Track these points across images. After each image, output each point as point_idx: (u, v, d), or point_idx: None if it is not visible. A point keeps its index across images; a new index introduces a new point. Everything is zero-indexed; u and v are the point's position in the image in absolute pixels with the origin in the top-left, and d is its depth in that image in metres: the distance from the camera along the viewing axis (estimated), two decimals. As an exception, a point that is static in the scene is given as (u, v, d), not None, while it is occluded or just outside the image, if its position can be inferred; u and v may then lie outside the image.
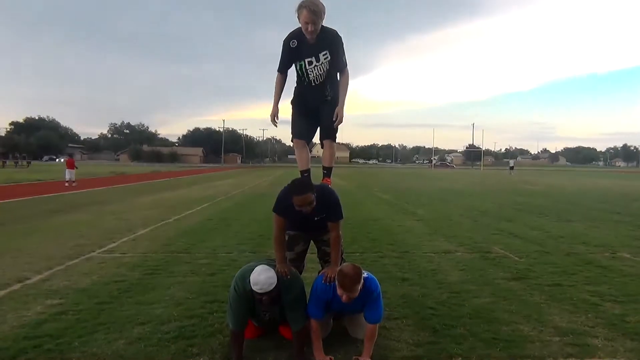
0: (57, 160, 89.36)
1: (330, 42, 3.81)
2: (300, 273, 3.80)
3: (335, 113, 3.88)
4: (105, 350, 3.35)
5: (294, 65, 3.93)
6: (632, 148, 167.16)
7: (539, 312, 4.21)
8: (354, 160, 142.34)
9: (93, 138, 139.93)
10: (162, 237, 8.03)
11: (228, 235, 8.31)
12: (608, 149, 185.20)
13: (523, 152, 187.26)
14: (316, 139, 4.32)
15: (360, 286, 3.13)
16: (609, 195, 20.00)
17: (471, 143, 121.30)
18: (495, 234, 8.66)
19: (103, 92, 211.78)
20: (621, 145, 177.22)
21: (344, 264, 3.39)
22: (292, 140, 4.23)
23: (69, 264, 5.89)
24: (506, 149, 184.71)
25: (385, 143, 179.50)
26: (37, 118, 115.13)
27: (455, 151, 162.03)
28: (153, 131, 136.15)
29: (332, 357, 3.26)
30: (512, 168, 57.31)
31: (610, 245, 7.57)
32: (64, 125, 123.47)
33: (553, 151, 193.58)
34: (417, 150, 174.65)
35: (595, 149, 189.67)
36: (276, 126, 4.08)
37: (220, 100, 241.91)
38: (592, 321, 3.99)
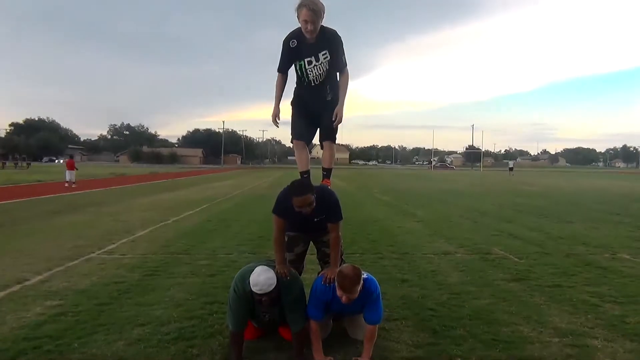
0: (56, 161, 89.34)
1: (330, 41, 3.82)
2: (300, 274, 3.81)
3: (334, 113, 3.88)
4: (105, 351, 3.35)
5: (293, 65, 3.93)
6: (632, 149, 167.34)
7: (538, 313, 4.21)
8: (353, 161, 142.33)
9: (93, 139, 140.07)
10: (162, 238, 8.03)
11: (228, 236, 8.31)
12: (608, 150, 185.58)
13: (523, 153, 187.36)
14: (316, 140, 4.32)
15: (359, 287, 3.13)
16: (609, 196, 20.01)
17: (471, 144, 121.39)
18: (495, 235, 8.66)
19: (103, 93, 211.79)
20: (621, 146, 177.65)
21: (344, 265, 3.39)
22: (291, 142, 4.23)
23: (68, 265, 5.89)
24: (506, 150, 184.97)
25: (385, 144, 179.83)
26: (37, 119, 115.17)
27: (455, 152, 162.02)
28: (153, 132, 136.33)
29: (332, 358, 3.26)
30: (511, 169, 57.35)
31: (610, 246, 7.57)
32: (64, 127, 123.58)
33: (553, 152, 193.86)
34: (417, 151, 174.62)
35: (595, 150, 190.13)
36: (277, 126, 4.08)
37: (220, 101, 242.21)
38: (592, 322, 3.99)
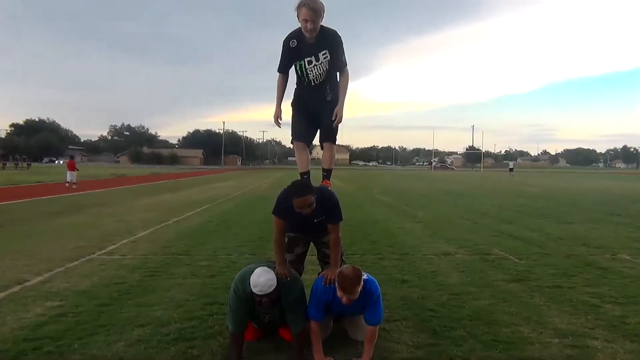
0: (56, 162, 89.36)
1: (330, 41, 3.82)
2: (300, 275, 3.80)
3: (334, 112, 3.88)
4: (105, 352, 3.35)
5: (293, 66, 3.94)
6: (632, 149, 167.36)
7: (538, 314, 4.21)
8: (354, 162, 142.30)
9: (93, 140, 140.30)
10: (162, 239, 8.03)
11: (228, 237, 8.31)
12: (608, 151, 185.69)
13: (523, 154, 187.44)
14: (316, 140, 4.33)
15: (360, 288, 3.13)
16: (609, 196, 20.01)
17: (471, 145, 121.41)
18: (495, 236, 8.66)
19: (103, 94, 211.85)
20: (621, 146, 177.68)
21: (344, 265, 3.39)
22: (292, 142, 4.23)
23: (68, 266, 5.89)
24: (506, 150, 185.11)
25: (385, 145, 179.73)
26: (37, 120, 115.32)
27: (455, 153, 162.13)
28: (153, 133, 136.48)
29: (332, 359, 3.26)
30: (511, 170, 57.35)
31: (610, 247, 7.57)
32: (64, 127, 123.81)
33: (553, 153, 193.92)
34: (417, 152, 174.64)
35: (595, 151, 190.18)
36: (280, 127, 4.09)
37: (220, 102, 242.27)
38: (592, 323, 3.99)
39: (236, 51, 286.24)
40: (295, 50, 3.83)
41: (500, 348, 3.46)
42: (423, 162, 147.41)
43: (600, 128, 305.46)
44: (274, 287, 3.15)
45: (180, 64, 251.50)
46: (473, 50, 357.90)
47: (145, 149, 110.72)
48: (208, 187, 24.36)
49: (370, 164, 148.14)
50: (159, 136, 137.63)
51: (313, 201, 3.38)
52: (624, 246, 7.68)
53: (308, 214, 3.42)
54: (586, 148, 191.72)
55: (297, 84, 4.05)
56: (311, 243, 3.92)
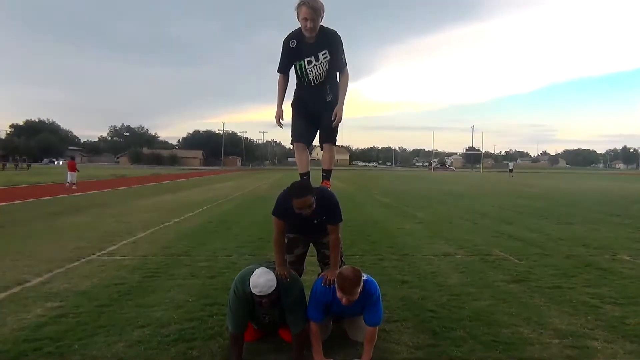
0: (55, 162, 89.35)
1: (330, 41, 3.83)
2: (300, 276, 3.81)
3: (334, 112, 3.89)
4: (105, 352, 3.35)
5: (293, 66, 3.94)
6: (632, 150, 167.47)
7: (538, 315, 4.21)
8: (353, 162, 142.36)
9: (93, 141, 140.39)
10: (162, 239, 8.03)
11: (228, 238, 8.31)
12: (608, 151, 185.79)
13: (523, 155, 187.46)
14: (316, 141, 4.33)
15: (359, 289, 3.13)
16: (609, 197, 20.01)
17: (471, 145, 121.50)
18: (495, 237, 8.66)
19: (103, 95, 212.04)
20: (621, 147, 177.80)
21: (344, 266, 3.39)
22: (291, 143, 4.23)
23: (69, 267, 5.89)
24: (506, 151, 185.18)
25: (385, 146, 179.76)
26: (37, 120, 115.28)
27: (455, 154, 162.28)
28: (153, 134, 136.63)
29: (332, 360, 3.26)
30: (511, 170, 57.38)
31: (610, 248, 7.57)
32: (64, 128, 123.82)
33: (553, 154, 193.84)
34: (417, 152, 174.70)
35: (595, 151, 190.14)
36: (282, 127, 4.08)
37: (220, 102, 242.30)
38: (592, 323, 3.99)
39: (236, 52, 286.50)
40: (295, 51, 3.84)
41: (500, 349, 3.46)
42: (423, 163, 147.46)
43: (600, 129, 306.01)
44: (273, 288, 3.15)
45: (180, 65, 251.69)
46: (473, 51, 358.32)
47: (145, 150, 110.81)
48: (208, 188, 24.37)
49: (370, 164, 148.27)
50: (158, 137, 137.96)
51: (313, 202, 3.38)
52: (623, 247, 7.69)
53: (308, 215, 3.42)
54: (586, 149, 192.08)
55: (297, 84, 4.06)
56: (311, 244, 3.92)
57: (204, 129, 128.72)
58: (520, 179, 42.81)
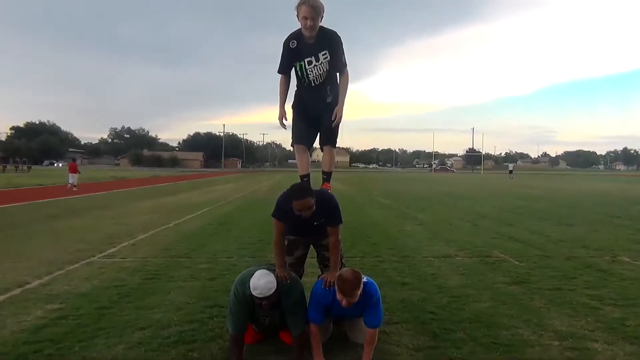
0: (55, 165, 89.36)
1: (330, 41, 3.84)
2: (300, 278, 3.81)
3: (334, 112, 3.89)
4: (106, 355, 3.35)
5: (294, 67, 3.94)
6: (632, 151, 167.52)
7: (538, 317, 4.21)
8: (354, 164, 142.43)
9: (93, 143, 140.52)
10: (163, 241, 8.04)
11: (228, 239, 8.32)
12: (608, 153, 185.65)
13: (523, 156, 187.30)
14: (316, 143, 4.33)
15: (359, 291, 3.13)
16: (609, 198, 20.00)
17: (471, 147, 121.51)
18: (496, 238, 8.66)
19: (103, 97, 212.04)
20: (621, 148, 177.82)
21: (344, 268, 3.39)
22: (292, 145, 4.24)
23: (69, 269, 5.90)
24: (506, 152, 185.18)
25: (386, 147, 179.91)
26: (37, 122, 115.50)
27: (456, 155, 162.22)
28: (153, 136, 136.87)
29: (332, 362, 3.26)
30: (511, 172, 57.35)
31: (610, 249, 7.57)
32: (65, 130, 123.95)
33: (553, 155, 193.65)
34: (418, 154, 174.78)
35: (596, 153, 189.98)
36: (285, 128, 4.06)
37: (220, 104, 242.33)
38: (592, 325, 4.00)
39: (236, 53, 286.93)
40: (295, 51, 3.84)
41: (500, 350, 3.46)
42: (423, 165, 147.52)
43: (600, 130, 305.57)
44: (273, 290, 3.16)
45: (180, 66, 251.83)
46: (473, 52, 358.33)
47: (146, 152, 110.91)
48: (208, 190, 24.38)
49: (371, 166, 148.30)
50: (159, 139, 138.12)
51: (313, 204, 3.38)
52: (624, 248, 7.69)
53: (308, 217, 3.43)
54: (586, 150, 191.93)
55: (297, 85, 4.06)
56: (311, 246, 3.93)
57: (205, 131, 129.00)
58: (521, 181, 42.80)
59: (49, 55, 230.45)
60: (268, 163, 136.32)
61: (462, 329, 3.87)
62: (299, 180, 3.98)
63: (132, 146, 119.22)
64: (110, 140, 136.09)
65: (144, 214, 12.40)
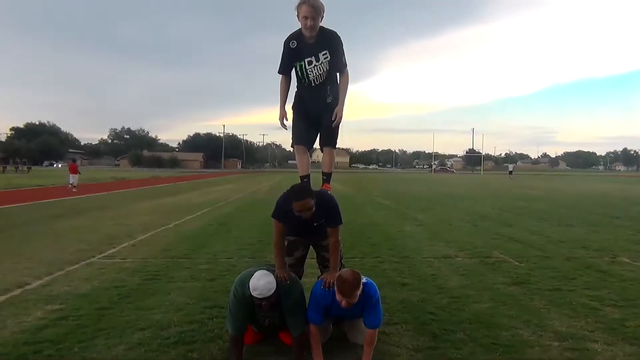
0: (55, 165, 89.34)
1: (330, 41, 3.84)
2: (300, 278, 3.81)
3: (334, 112, 3.90)
4: (106, 355, 3.36)
5: (294, 67, 3.95)
6: (632, 152, 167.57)
7: (538, 317, 4.21)
8: (354, 165, 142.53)
9: (93, 143, 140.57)
10: (162, 242, 8.04)
11: (228, 240, 8.32)
12: (608, 153, 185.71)
13: (523, 157, 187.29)
14: (316, 144, 4.33)
15: (359, 292, 3.13)
16: (609, 199, 20.00)
17: (471, 148, 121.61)
18: (495, 239, 8.66)
19: (103, 97, 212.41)
20: (621, 149, 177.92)
21: (343, 269, 3.39)
22: (292, 146, 4.24)
23: (69, 270, 5.90)
24: (506, 153, 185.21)
25: (386, 148, 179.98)
26: (37, 123, 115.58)
27: (456, 156, 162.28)
28: (153, 136, 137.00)
29: (332, 362, 3.26)
30: (511, 172, 57.36)
31: (610, 250, 7.57)
32: (65, 131, 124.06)
33: (553, 156, 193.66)
34: (417, 155, 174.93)
35: (595, 154, 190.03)
36: (286, 128, 4.07)
37: (220, 105, 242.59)
38: (592, 326, 4.00)
39: (236, 54, 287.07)
40: (295, 51, 3.85)
41: (500, 351, 3.46)
42: (423, 165, 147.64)
43: (600, 130, 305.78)
44: (273, 291, 3.16)
45: (180, 67, 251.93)
46: (473, 53, 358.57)
47: (146, 153, 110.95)
48: (208, 191, 24.39)
49: (371, 167, 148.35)
50: (159, 139, 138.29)
51: (312, 205, 3.39)
52: (623, 249, 7.69)
53: (307, 218, 3.43)
54: (586, 151, 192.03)
55: (297, 85, 4.06)
56: (311, 247, 3.93)
57: (205, 132, 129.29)
58: (520, 181, 42.79)
59: (48, 56, 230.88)
60: (268, 164, 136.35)
61: (462, 330, 3.87)
62: (299, 181, 3.99)
63: (132, 147, 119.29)
64: (110, 140, 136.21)
65: (144, 214, 12.40)
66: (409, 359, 3.37)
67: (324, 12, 3.71)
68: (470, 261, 6.68)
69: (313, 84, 3.94)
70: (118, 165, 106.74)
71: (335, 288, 3.15)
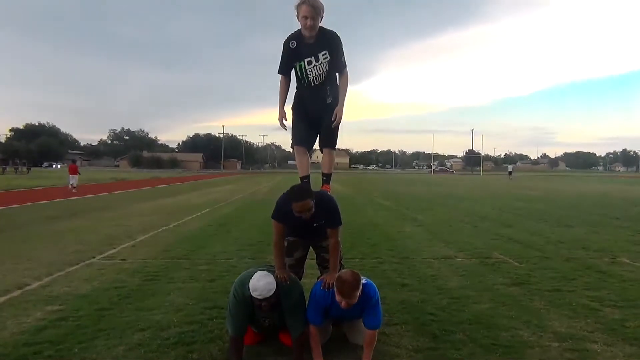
0: (54, 166, 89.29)
1: (330, 41, 3.85)
2: (300, 279, 3.81)
3: (334, 112, 3.90)
4: (105, 356, 3.36)
5: (294, 67, 3.95)
6: (632, 153, 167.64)
7: (538, 318, 4.21)
8: (353, 165, 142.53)
9: (93, 144, 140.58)
10: (162, 243, 8.04)
11: (228, 241, 8.32)
12: (607, 154, 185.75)
13: (523, 158, 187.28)
14: (316, 145, 4.34)
15: (359, 292, 3.13)
16: (609, 200, 20.01)
17: (471, 148, 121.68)
18: (495, 240, 8.66)
19: (103, 98, 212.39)
20: (620, 150, 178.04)
21: (343, 270, 3.39)
22: (292, 147, 4.24)
23: (69, 270, 5.90)
24: (506, 154, 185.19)
25: (385, 149, 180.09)
26: (37, 124, 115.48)
27: (455, 156, 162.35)
28: (153, 137, 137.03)
29: (332, 363, 3.26)
30: (510, 173, 57.36)
31: (609, 250, 7.57)
32: (64, 132, 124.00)
33: (553, 156, 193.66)
34: (417, 155, 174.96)
35: (595, 154, 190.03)
36: (285, 129, 4.07)
37: (220, 106, 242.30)
38: (592, 326, 4.00)
39: (236, 55, 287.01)
40: (295, 51, 3.86)
41: (500, 352, 3.46)
42: (423, 166, 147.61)
43: (600, 131, 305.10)
44: (273, 291, 3.16)
45: (180, 68, 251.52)
46: (473, 54, 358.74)
47: (145, 153, 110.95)
48: (208, 191, 24.38)
49: (370, 167, 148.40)
50: (158, 140, 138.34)
51: (312, 205, 3.39)
52: (623, 249, 7.69)
53: (307, 218, 3.43)
54: (586, 151, 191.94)
55: (297, 86, 4.07)
56: (310, 247, 3.93)
57: (204, 132, 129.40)
58: (520, 182, 42.81)
59: (48, 57, 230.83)
60: (268, 164, 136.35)
61: (462, 330, 3.87)
62: (299, 182, 3.99)
63: (132, 147, 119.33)
64: (109, 141, 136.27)
65: (144, 215, 12.40)
66: (409, 359, 3.37)
67: (323, 12, 3.72)
68: (470, 262, 6.68)
69: (313, 84, 3.94)
70: (118, 166, 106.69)
71: (335, 289, 3.15)
